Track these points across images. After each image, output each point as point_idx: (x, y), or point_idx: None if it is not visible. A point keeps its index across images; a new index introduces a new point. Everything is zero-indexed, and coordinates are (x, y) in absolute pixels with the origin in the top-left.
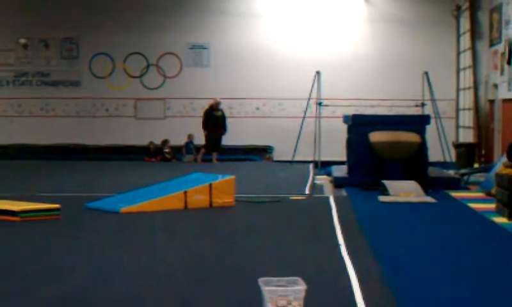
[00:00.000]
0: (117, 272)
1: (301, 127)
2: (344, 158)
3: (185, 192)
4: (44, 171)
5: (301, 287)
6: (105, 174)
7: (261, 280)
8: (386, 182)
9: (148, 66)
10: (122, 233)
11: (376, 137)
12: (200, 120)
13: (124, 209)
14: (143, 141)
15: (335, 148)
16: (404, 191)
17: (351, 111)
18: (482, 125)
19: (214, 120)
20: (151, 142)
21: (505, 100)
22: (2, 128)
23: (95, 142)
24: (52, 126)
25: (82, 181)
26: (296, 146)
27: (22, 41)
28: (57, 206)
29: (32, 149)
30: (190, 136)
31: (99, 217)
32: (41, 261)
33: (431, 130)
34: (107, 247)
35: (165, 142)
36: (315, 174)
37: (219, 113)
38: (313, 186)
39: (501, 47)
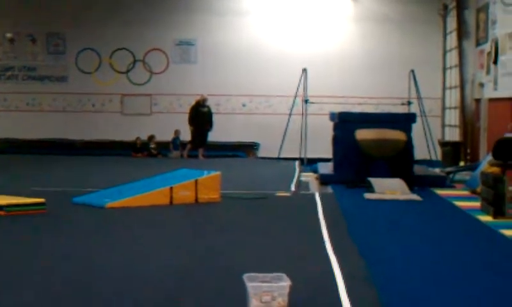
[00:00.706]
0: (101, 267)
1: (288, 124)
2: (330, 155)
3: (171, 188)
4: (30, 166)
5: (285, 283)
6: (91, 169)
7: (246, 276)
8: (372, 180)
9: (135, 61)
10: (107, 228)
11: (362, 134)
12: (187, 116)
13: (110, 204)
14: (130, 137)
15: (321, 145)
16: (389, 189)
17: (338, 109)
18: (468, 123)
19: (200, 116)
20: (138, 138)
21: (491, 99)
22: None
23: (82, 138)
24: (39, 121)
25: (69, 176)
26: (282, 143)
27: (8, 35)
28: (42, 200)
29: (18, 144)
30: (177, 132)
31: (85, 211)
32: (25, 254)
33: (417, 128)
34: (91, 242)
35: (151, 137)
36: (301, 171)
37: (206, 109)
38: (299, 183)
39: (487, 47)
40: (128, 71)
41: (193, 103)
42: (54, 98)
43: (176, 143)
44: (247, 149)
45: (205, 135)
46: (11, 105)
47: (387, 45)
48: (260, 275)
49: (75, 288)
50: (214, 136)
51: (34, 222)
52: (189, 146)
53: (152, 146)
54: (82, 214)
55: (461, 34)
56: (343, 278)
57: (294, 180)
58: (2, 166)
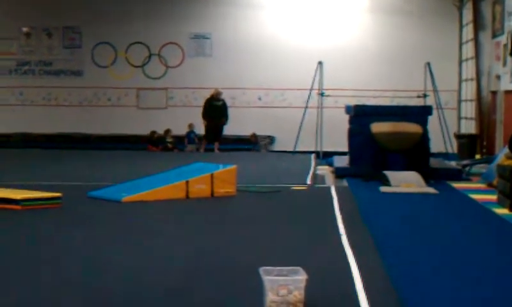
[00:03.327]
0: (116, 261)
1: (303, 117)
2: (345, 148)
3: (187, 182)
4: (46, 160)
5: (301, 277)
6: (107, 163)
7: (262, 269)
8: (388, 173)
9: (150, 55)
10: (123, 222)
11: (378, 127)
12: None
13: (126, 198)
14: (145, 131)
15: (337, 139)
16: (405, 182)
17: (353, 102)
18: (484, 116)
19: (214, 110)
20: (154, 132)
21: (507, 92)
22: (4, 117)
23: (97, 132)
24: (55, 115)
25: (85, 170)
26: (298, 136)
27: (25, 29)
28: (58, 194)
29: (34, 138)
30: (191, 126)
31: (100, 205)
32: (42, 248)
33: (432, 121)
34: (107, 236)
35: (167, 131)
36: (316, 164)
37: (220, 103)
38: (315, 176)
39: (504, 39)
40: (144, 65)
41: (208, 96)
42: (70, 93)
43: (191, 137)
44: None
45: (220, 129)
46: (28, 99)
47: (403, 38)
48: (276, 268)
49: (90, 281)
50: (229, 130)
51: (51, 216)
52: (204, 140)
53: (169, 140)
54: (99, 208)
55: (477, 26)
56: (359, 271)
57: (310, 174)
58: (19, 160)
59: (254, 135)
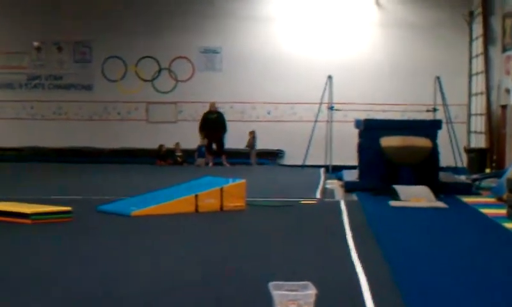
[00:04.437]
0: (126, 276)
1: (313, 131)
2: (355, 162)
3: (196, 196)
4: (56, 174)
5: (311, 291)
6: (116, 177)
7: (271, 284)
8: (397, 187)
9: (160, 70)
10: (133, 236)
11: (387, 141)
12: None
13: (135, 212)
14: (155, 145)
15: (346, 153)
16: (415, 196)
17: (363, 116)
18: (494, 130)
19: (210, 123)
20: (162, 146)
21: None
22: (15, 131)
23: (107, 146)
24: (65, 129)
25: (94, 184)
26: (307, 150)
27: (36, 44)
28: (68, 208)
29: (44, 153)
30: (204, 140)
31: (110, 220)
32: (52, 262)
33: (442, 135)
34: (117, 250)
35: (177, 145)
36: (326, 178)
37: (215, 116)
38: (324, 190)
39: None
40: (153, 79)
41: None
42: (80, 107)
43: (202, 151)
44: (272, 156)
45: (220, 142)
46: (38, 113)
47: (412, 51)
48: (286, 283)
49: (99, 296)
50: (238, 144)
51: (61, 230)
52: (207, 155)
53: (178, 154)
54: (108, 222)
55: (487, 40)
56: (368, 286)
57: (319, 188)
58: (29, 174)
59: (253, 135)
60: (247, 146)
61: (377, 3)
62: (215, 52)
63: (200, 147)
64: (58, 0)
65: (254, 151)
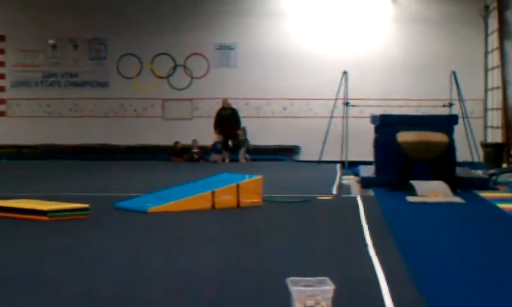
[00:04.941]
0: (143, 272)
1: (328, 127)
2: (371, 158)
3: (213, 192)
4: (73, 171)
5: (329, 287)
6: (133, 174)
7: (289, 280)
8: (414, 182)
9: (176, 66)
10: (149, 233)
11: (404, 137)
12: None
13: (152, 209)
14: (171, 141)
15: (362, 148)
16: (432, 191)
17: (378, 111)
18: (510, 124)
19: (224, 119)
20: (177, 142)
21: None
22: (31, 129)
23: (123, 143)
24: (81, 126)
25: (111, 181)
26: (323, 146)
27: (51, 42)
28: (86, 205)
29: (60, 150)
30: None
31: (127, 216)
32: (68, 260)
33: (458, 130)
34: (134, 247)
35: (194, 142)
36: (342, 174)
37: (228, 112)
38: (341, 186)
39: None
40: (169, 76)
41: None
42: (96, 104)
43: (217, 147)
44: (288, 152)
45: (235, 138)
46: (54, 111)
47: (428, 46)
48: (304, 279)
49: (119, 291)
50: (254, 140)
51: (78, 227)
52: (224, 151)
53: (195, 150)
54: (125, 219)
55: (503, 34)
56: (386, 281)
57: (336, 183)
58: (45, 172)
59: (243, 131)
60: (235, 143)
61: None
62: (230, 48)
63: (215, 144)
64: None
65: (244, 148)
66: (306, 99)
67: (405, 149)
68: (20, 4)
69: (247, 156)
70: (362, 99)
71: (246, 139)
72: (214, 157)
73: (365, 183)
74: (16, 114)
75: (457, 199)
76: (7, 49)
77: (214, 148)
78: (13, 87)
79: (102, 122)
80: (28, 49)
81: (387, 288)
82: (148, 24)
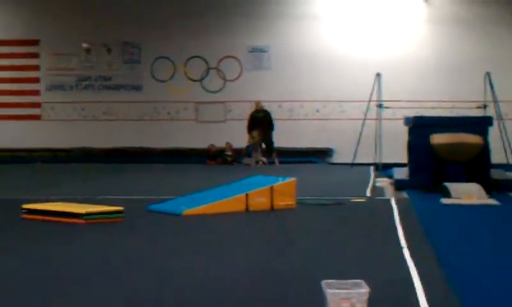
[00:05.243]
0: (179, 275)
1: (362, 129)
2: (404, 160)
3: (247, 195)
4: (106, 174)
5: (364, 290)
6: (166, 177)
7: (324, 282)
8: (448, 184)
9: (209, 69)
10: (184, 235)
11: (437, 139)
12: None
13: (186, 211)
14: (204, 144)
15: (396, 150)
16: (466, 193)
17: (412, 113)
18: None
19: (257, 122)
20: (212, 145)
21: None
22: (65, 132)
23: (156, 146)
24: (114, 129)
25: (144, 184)
26: (357, 148)
27: (85, 45)
28: (120, 208)
29: (94, 153)
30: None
31: (161, 219)
32: (105, 263)
33: (493, 131)
34: (168, 249)
35: (228, 145)
36: (375, 176)
37: (261, 114)
38: (374, 188)
39: None
40: (202, 79)
41: (252, 110)
42: (130, 107)
43: (250, 150)
44: (321, 155)
45: (268, 141)
46: (89, 114)
47: (461, 48)
48: (338, 281)
49: (152, 296)
50: (287, 142)
51: (113, 230)
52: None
53: (228, 153)
54: (160, 222)
55: None
56: (422, 284)
57: (369, 186)
58: (79, 175)
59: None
60: (251, 144)
61: (426, 0)
62: (263, 50)
63: (248, 146)
64: (107, 1)
65: (259, 151)
66: (339, 101)
67: (439, 151)
68: (54, 8)
69: (263, 159)
70: (395, 101)
71: (261, 143)
72: (247, 159)
73: (399, 185)
74: (51, 117)
75: (492, 201)
76: (41, 53)
77: (246, 151)
78: (48, 91)
79: (135, 125)
80: (62, 53)
81: (422, 291)
82: (181, 27)
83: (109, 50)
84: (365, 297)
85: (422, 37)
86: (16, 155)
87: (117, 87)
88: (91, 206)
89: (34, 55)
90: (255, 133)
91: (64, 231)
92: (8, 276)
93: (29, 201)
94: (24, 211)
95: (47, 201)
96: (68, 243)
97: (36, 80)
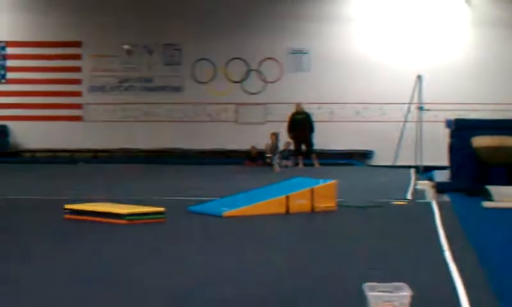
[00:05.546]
0: (217, 275)
1: (402, 132)
2: (445, 163)
3: (287, 197)
4: (147, 175)
5: (406, 293)
6: (206, 178)
7: (366, 285)
8: (491, 187)
9: (249, 71)
10: (225, 236)
11: (479, 141)
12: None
13: (226, 213)
14: (244, 146)
15: (437, 153)
16: (509, 196)
17: (453, 116)
18: None
19: (298, 124)
20: (253, 147)
21: None
22: (107, 133)
23: (197, 147)
24: (155, 131)
25: (184, 185)
26: (397, 151)
27: (126, 47)
28: (162, 209)
29: (135, 154)
30: (287, 144)
31: (202, 220)
32: (147, 264)
33: None
34: (210, 251)
35: (267, 146)
36: (416, 179)
37: (302, 116)
38: (415, 191)
39: None
40: (242, 80)
41: (292, 112)
42: (170, 108)
43: (285, 155)
44: (361, 157)
45: (308, 142)
46: (129, 115)
47: (503, 49)
48: (380, 284)
49: (195, 296)
50: (327, 144)
51: (154, 230)
52: (299, 156)
53: (268, 155)
54: (200, 223)
55: None
56: (464, 288)
57: (410, 188)
58: (120, 176)
59: (275, 137)
60: (269, 151)
61: (468, 2)
62: (303, 52)
63: (283, 151)
64: (148, 3)
65: (277, 154)
66: (379, 103)
67: (481, 154)
68: (96, 11)
69: (278, 161)
70: (437, 103)
71: (277, 146)
72: (285, 162)
73: (440, 188)
74: (92, 118)
75: None
76: (84, 55)
77: (283, 155)
78: (90, 92)
79: (176, 127)
80: (104, 55)
81: (465, 294)
82: (221, 29)
83: (150, 52)
84: (407, 301)
85: (463, 39)
86: (58, 156)
87: (158, 89)
88: (133, 206)
89: (77, 57)
90: (272, 135)
91: (106, 231)
92: (51, 276)
93: (71, 202)
94: (66, 211)
95: (89, 201)
96: (110, 243)
97: (78, 81)
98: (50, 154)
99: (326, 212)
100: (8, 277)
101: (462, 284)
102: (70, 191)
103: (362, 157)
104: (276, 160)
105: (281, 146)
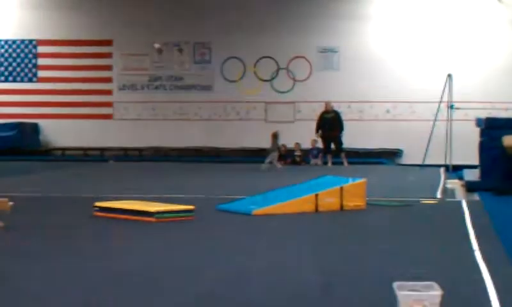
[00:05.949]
0: (247, 274)
1: (432, 130)
2: (475, 161)
3: (316, 195)
4: (176, 173)
5: (436, 292)
6: (235, 176)
7: (396, 284)
8: None
9: (279, 70)
10: (254, 235)
11: (510, 140)
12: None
13: (256, 211)
14: None
15: (467, 152)
16: None
17: (484, 114)
18: None
19: (326, 122)
20: (283, 145)
21: None
22: (137, 131)
23: (226, 145)
24: (185, 129)
25: (214, 183)
26: (427, 150)
27: (156, 46)
28: (191, 207)
29: (165, 152)
30: (313, 142)
31: (231, 218)
32: (176, 262)
33: None
34: (240, 249)
35: (297, 145)
36: (446, 178)
37: (332, 115)
38: (445, 190)
39: None
40: (272, 79)
41: (322, 111)
42: (200, 107)
43: (314, 153)
44: (391, 155)
45: (338, 141)
46: (159, 114)
47: None
48: (410, 283)
49: (223, 295)
50: (357, 143)
51: (184, 228)
52: (328, 155)
53: (297, 153)
54: (230, 221)
55: None
56: (495, 288)
57: (440, 187)
58: (150, 173)
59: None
60: (271, 149)
61: (500, 0)
62: (333, 51)
63: (312, 149)
64: (178, 1)
65: (275, 154)
66: (409, 102)
67: (511, 153)
68: (126, 9)
69: (270, 161)
70: (467, 102)
71: (278, 146)
72: (314, 160)
73: (470, 187)
74: (123, 116)
75: None
76: (114, 53)
77: (311, 153)
78: (120, 90)
79: (205, 125)
80: (134, 53)
81: (494, 293)
82: (251, 28)
83: (180, 51)
84: (438, 300)
85: (494, 38)
86: (89, 154)
87: (188, 87)
88: (162, 204)
89: (107, 56)
90: (275, 132)
91: (136, 230)
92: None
93: (101, 199)
94: (96, 209)
95: (119, 199)
96: (139, 241)
97: (108, 79)
98: (80, 152)
99: (356, 211)
100: (40, 275)
101: (492, 283)
102: (100, 189)
103: (391, 155)
104: (268, 160)
105: (281, 146)
